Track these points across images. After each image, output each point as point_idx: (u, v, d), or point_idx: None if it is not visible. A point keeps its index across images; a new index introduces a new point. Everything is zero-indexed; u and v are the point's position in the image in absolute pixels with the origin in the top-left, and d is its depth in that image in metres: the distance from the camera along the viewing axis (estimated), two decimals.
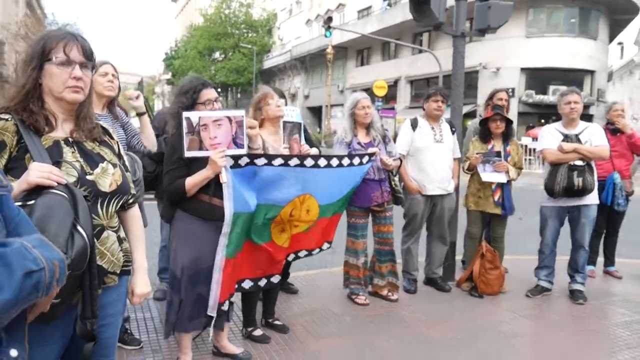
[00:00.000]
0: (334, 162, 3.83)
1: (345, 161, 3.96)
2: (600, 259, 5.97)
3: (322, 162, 3.73)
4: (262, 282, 3.72)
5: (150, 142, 3.82)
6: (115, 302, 1.96)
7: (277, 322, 4.12)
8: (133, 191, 2.02)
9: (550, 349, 3.86)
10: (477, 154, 5.11)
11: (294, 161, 3.52)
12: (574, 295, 4.93)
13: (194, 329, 3.33)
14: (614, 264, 5.90)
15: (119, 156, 2.01)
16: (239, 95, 54.79)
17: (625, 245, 6.39)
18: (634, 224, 7.07)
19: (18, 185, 1.57)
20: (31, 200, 1.49)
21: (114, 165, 1.91)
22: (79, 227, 1.48)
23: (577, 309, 4.75)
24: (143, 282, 2.08)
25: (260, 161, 3.34)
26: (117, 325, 2.05)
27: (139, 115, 3.78)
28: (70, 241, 1.43)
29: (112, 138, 2.03)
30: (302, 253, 4.07)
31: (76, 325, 1.65)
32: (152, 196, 4.34)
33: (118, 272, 1.92)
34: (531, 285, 5.17)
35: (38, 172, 1.57)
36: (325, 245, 4.26)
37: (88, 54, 1.85)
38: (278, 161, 3.43)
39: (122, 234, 1.96)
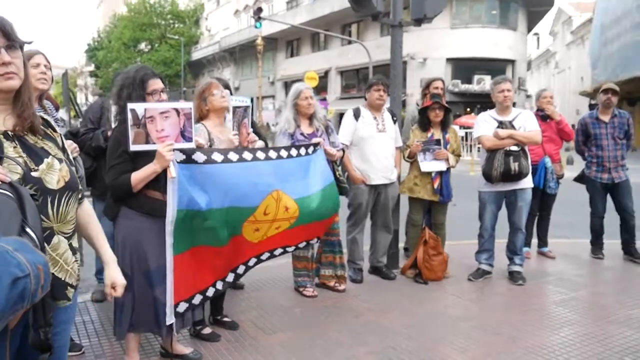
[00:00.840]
0: (283, 153, 3.73)
1: (293, 152, 3.87)
2: (534, 241, 6.22)
3: (272, 153, 3.63)
4: (230, 278, 3.57)
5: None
6: (68, 308, 1.82)
7: (225, 319, 4.03)
8: (81, 187, 1.88)
9: (498, 330, 3.97)
10: (417, 142, 5.18)
11: (248, 155, 3.40)
12: (514, 277, 5.11)
13: (149, 330, 3.20)
14: (547, 245, 6.17)
15: (63, 150, 1.86)
16: (167, 88, 53.29)
17: (556, 227, 6.70)
18: (564, 206, 7.42)
19: None
20: None
21: (60, 160, 1.75)
22: (27, 230, 1.33)
23: (517, 289, 4.93)
24: (119, 273, 2.02)
25: (218, 157, 3.19)
26: (68, 332, 1.92)
27: None
28: None
29: (54, 130, 1.87)
30: (278, 251, 3.89)
31: (28, 336, 1.50)
32: (89, 193, 4.12)
33: (74, 284, 1.80)
34: (472, 269, 5.32)
35: None
36: (314, 240, 4.19)
37: (9, 34, 1.63)
38: (233, 156, 3.28)
39: (74, 243, 1.83)
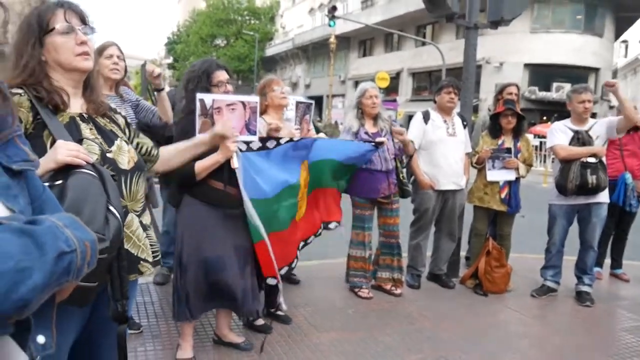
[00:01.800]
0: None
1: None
2: (607, 261, 5.87)
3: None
4: (284, 271, 3.58)
5: (167, 116, 3.84)
6: (132, 284, 1.90)
7: (279, 312, 4.04)
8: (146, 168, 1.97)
9: (558, 352, 3.78)
10: (486, 148, 5.01)
11: (303, 141, 3.52)
12: (581, 297, 4.85)
13: (199, 312, 3.26)
14: (621, 267, 5.81)
15: (129, 134, 1.94)
16: (239, 82, 54.58)
17: (634, 248, 6.30)
18: None
19: (44, 164, 1.46)
20: (58, 181, 1.40)
21: (127, 142, 1.84)
22: (111, 208, 1.39)
23: (583, 311, 4.67)
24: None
25: (271, 143, 3.30)
26: (130, 307, 2.03)
27: (157, 91, 3.78)
28: (106, 223, 1.35)
29: (117, 113, 1.95)
30: (310, 239, 3.93)
31: (109, 308, 1.57)
32: (157, 180, 4.25)
33: (150, 260, 1.88)
34: (537, 284, 5.09)
35: (66, 150, 1.48)
36: (333, 224, 4.11)
37: (84, 18, 1.76)
38: (285, 140, 3.39)
39: (145, 220, 1.90)
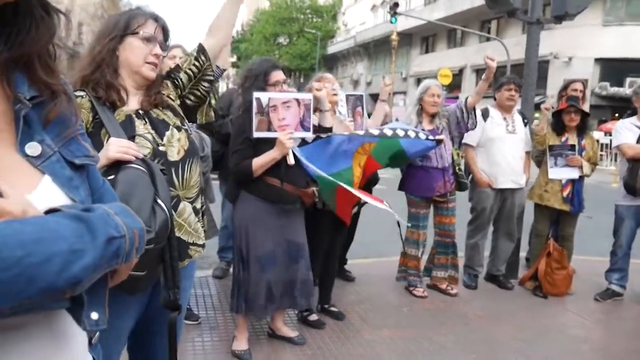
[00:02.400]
0: (400, 132, 3.86)
1: (412, 133, 3.94)
2: None
3: (388, 131, 3.79)
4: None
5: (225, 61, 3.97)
6: (186, 276, 2.00)
7: (333, 309, 4.10)
8: (207, 166, 2.08)
9: (622, 358, 3.64)
10: (549, 145, 4.86)
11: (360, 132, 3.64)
12: None
13: (254, 312, 3.34)
14: None
15: (182, 117, 2.02)
16: (301, 80, 55.07)
17: None
18: None
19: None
20: (111, 176, 1.50)
21: (178, 129, 1.92)
22: (159, 201, 1.48)
23: None
24: None
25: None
26: (186, 298, 2.13)
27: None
28: (152, 215, 1.44)
29: (173, 100, 2.05)
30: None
31: (156, 295, 1.69)
32: (216, 176, 4.39)
33: (200, 243, 1.97)
34: (600, 288, 4.90)
35: (117, 147, 1.59)
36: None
37: (166, 37, 1.94)
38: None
39: (198, 205, 1.98)
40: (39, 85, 0.86)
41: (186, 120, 2.04)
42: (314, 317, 3.91)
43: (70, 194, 0.85)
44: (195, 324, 3.78)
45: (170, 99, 2.03)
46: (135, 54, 1.85)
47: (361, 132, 3.79)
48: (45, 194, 0.80)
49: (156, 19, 1.91)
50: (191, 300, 4.10)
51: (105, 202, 0.99)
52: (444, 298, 4.63)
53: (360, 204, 4.12)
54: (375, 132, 3.75)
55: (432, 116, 4.56)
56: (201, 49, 2.11)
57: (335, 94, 3.89)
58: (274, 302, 3.26)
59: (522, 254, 5.55)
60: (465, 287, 4.91)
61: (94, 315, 0.83)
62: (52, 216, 0.71)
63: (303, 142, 3.27)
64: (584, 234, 7.07)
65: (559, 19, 5.38)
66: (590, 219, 7.48)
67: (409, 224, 4.49)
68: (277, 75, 3.23)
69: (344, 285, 4.80)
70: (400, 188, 4.67)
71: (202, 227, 2.00)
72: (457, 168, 4.62)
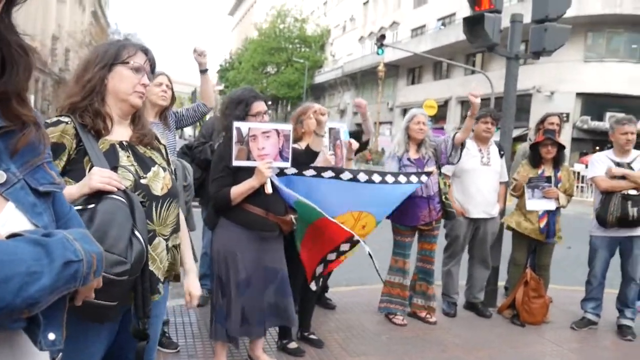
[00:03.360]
0: (389, 178, 3.89)
1: (402, 178, 3.99)
2: None
3: (377, 177, 3.83)
4: (332, 256, 3.59)
5: (209, 100, 4.04)
6: (159, 303, 2.01)
7: (312, 336, 4.11)
8: (190, 195, 2.12)
9: None
10: (524, 174, 4.98)
11: (347, 175, 3.60)
12: (622, 331, 4.71)
13: (234, 336, 3.35)
14: None
15: (167, 161, 2.07)
16: (289, 109, 55.46)
17: None
18: None
19: (79, 189, 1.64)
20: (91, 205, 1.55)
21: (164, 169, 1.97)
22: (136, 232, 1.53)
23: (625, 345, 4.54)
24: (197, 284, 2.18)
25: (309, 172, 3.43)
26: (159, 326, 2.12)
27: (202, 72, 3.97)
28: (129, 246, 1.49)
29: (160, 143, 2.10)
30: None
31: (126, 324, 1.71)
32: (197, 203, 4.43)
33: (162, 279, 1.98)
34: (576, 317, 4.98)
35: (99, 177, 1.64)
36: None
37: (153, 68, 2.00)
38: (328, 173, 3.49)
39: (172, 243, 2.00)
40: (10, 116, 0.90)
41: (172, 166, 2.11)
42: (293, 344, 3.91)
43: (33, 220, 0.90)
44: (174, 352, 3.77)
45: (159, 141, 2.09)
46: (124, 83, 1.90)
47: (349, 175, 3.67)
48: (8, 219, 0.84)
49: (146, 52, 1.97)
50: (170, 328, 4.10)
51: (71, 227, 1.04)
52: (423, 326, 4.67)
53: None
54: (363, 177, 3.73)
55: (419, 145, 4.66)
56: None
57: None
58: (250, 326, 3.28)
59: (501, 282, 5.63)
60: (444, 315, 4.96)
61: (51, 336, 0.86)
62: (13, 240, 0.76)
63: (281, 173, 3.33)
64: (563, 264, 7.19)
65: (536, 54, 5.56)
66: (569, 249, 7.61)
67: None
68: (259, 106, 3.31)
69: (325, 313, 4.82)
70: (388, 217, 4.74)
71: (171, 264, 2.02)
72: (443, 197, 4.71)
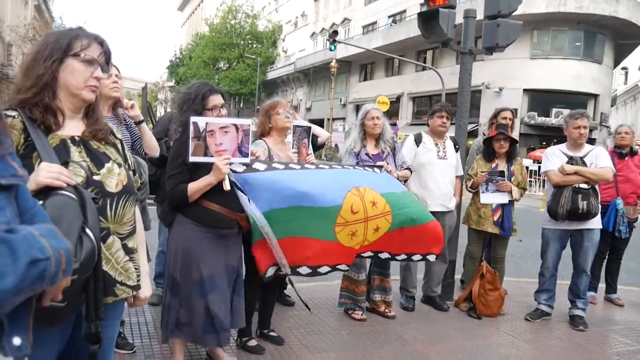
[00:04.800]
0: (348, 167, 3.91)
1: (359, 168, 4.01)
2: (602, 286, 5.89)
3: (337, 167, 3.83)
4: (324, 269, 3.53)
5: (151, 149, 3.70)
6: (117, 305, 1.92)
7: (272, 334, 4.06)
8: (145, 193, 2.01)
9: None
10: (481, 172, 5.06)
11: (310, 166, 3.59)
12: (574, 321, 4.85)
13: (189, 338, 3.26)
14: (615, 291, 5.80)
15: (124, 156, 1.98)
16: (241, 105, 54.99)
17: (628, 273, 6.31)
18: (637, 251, 6.99)
19: (27, 185, 1.52)
20: (39, 201, 1.43)
21: (119, 165, 1.88)
22: (87, 230, 1.44)
23: (577, 335, 4.67)
24: (147, 285, 2.05)
25: (279, 166, 3.35)
26: (116, 328, 2.03)
27: (137, 124, 3.64)
28: (79, 244, 1.39)
29: (116, 137, 2.00)
30: (384, 255, 3.83)
31: (81, 328, 1.62)
32: (152, 200, 4.29)
33: (132, 285, 1.88)
34: (530, 308, 5.10)
35: (47, 172, 1.53)
36: (431, 257, 4.01)
37: (108, 59, 1.88)
38: (295, 166, 3.48)
39: (130, 244, 1.90)
40: None
41: (129, 161, 2.00)
42: (253, 342, 3.85)
43: None
44: (130, 352, 3.65)
45: (115, 136, 1.98)
46: (75, 77, 1.78)
47: (312, 166, 3.65)
48: None
49: (101, 43, 1.85)
50: (126, 329, 3.97)
51: (36, 222, 0.97)
52: (382, 320, 4.68)
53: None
54: (325, 165, 3.72)
55: (377, 140, 4.65)
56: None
57: (288, 120, 3.89)
58: (216, 328, 3.15)
59: (457, 276, 5.71)
60: (402, 309, 4.99)
61: (16, 341, 0.80)
62: None
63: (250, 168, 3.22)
64: (515, 257, 7.37)
65: (489, 49, 5.65)
66: (520, 242, 7.80)
67: None
68: (215, 100, 3.21)
69: (284, 310, 4.77)
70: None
71: (135, 268, 1.92)
72: None
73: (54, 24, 46.03)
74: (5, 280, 0.68)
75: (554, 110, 25.95)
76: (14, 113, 1.70)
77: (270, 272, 3.37)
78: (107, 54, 1.87)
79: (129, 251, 1.89)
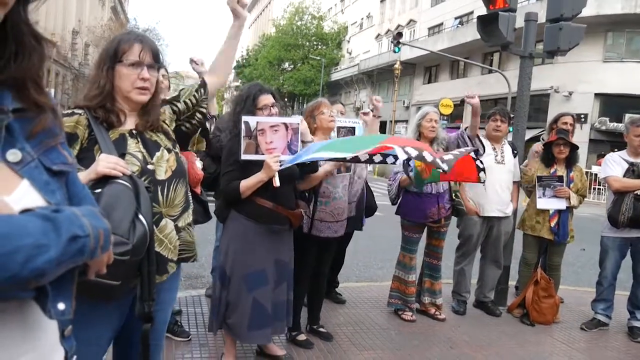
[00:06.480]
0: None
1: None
2: None
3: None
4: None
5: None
6: (169, 289, 2.08)
7: (321, 330, 4.16)
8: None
9: None
10: (538, 176, 4.98)
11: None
12: (633, 333, 4.70)
13: (255, 339, 3.39)
14: None
15: (173, 141, 2.12)
16: (304, 106, 55.43)
17: None
18: None
19: (87, 175, 1.71)
20: (98, 189, 1.62)
21: (169, 151, 2.03)
22: (140, 216, 1.60)
23: (635, 347, 4.52)
24: None
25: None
26: (168, 312, 2.17)
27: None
28: (132, 228, 1.54)
29: (167, 125, 2.16)
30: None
31: (135, 307, 1.77)
32: (212, 197, 4.49)
33: (175, 259, 2.03)
34: (587, 318, 4.98)
35: (105, 163, 1.71)
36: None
37: (155, 56, 1.99)
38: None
39: (180, 223, 2.05)
40: (27, 102, 0.95)
41: (177, 145, 2.14)
42: (302, 337, 3.97)
43: (46, 197, 0.94)
44: (185, 340, 3.85)
45: (165, 124, 2.13)
46: (124, 82, 1.93)
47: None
48: (22, 196, 0.89)
49: (141, 41, 1.96)
50: (183, 318, 4.18)
51: (83, 205, 1.08)
52: (432, 322, 4.70)
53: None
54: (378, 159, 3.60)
55: (430, 142, 4.68)
56: (203, 84, 2.31)
57: (332, 120, 3.99)
58: (261, 324, 3.27)
59: (512, 282, 5.63)
60: (453, 313, 4.99)
61: (61, 306, 0.90)
62: (24, 215, 0.81)
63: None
64: (576, 265, 7.17)
65: (551, 53, 5.54)
66: (583, 251, 7.58)
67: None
68: (266, 99, 3.33)
69: (334, 307, 4.87)
70: (397, 212, 4.77)
71: (186, 243, 2.07)
72: (453, 194, 4.72)
73: (128, 24, 48.04)
74: (49, 252, 0.78)
75: (627, 115, 24.69)
76: (80, 111, 1.90)
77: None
78: (153, 51, 1.97)
79: (179, 230, 2.04)
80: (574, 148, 5.06)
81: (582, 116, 23.81)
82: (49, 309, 0.87)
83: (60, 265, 0.82)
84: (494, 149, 4.98)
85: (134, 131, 1.98)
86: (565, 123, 5.39)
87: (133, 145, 1.93)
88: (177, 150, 2.11)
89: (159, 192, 1.94)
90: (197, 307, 4.59)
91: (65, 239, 0.81)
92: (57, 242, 0.80)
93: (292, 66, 51.17)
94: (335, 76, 49.70)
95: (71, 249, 0.83)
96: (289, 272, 3.45)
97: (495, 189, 4.91)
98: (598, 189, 19.45)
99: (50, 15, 31.69)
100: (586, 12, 5.45)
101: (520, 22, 5.29)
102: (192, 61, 3.81)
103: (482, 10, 5.72)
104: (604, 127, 25.20)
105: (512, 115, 5.42)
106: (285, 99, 45.11)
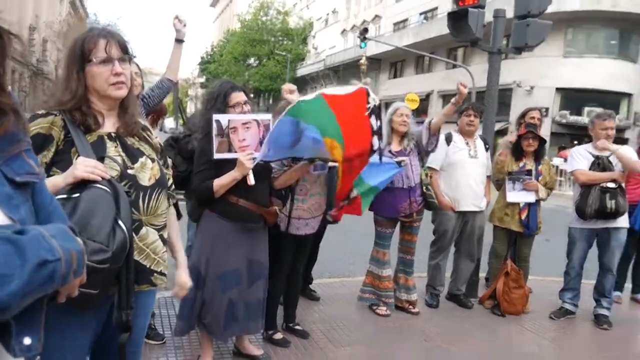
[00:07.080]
0: None
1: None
2: (628, 285, 5.85)
3: None
4: None
5: (174, 73, 3.85)
6: (149, 295, 2.02)
7: (297, 327, 4.15)
8: (171, 188, 2.09)
9: None
10: (507, 172, 5.07)
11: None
12: (599, 320, 4.85)
13: (231, 334, 3.39)
14: None
15: (160, 152, 2.06)
16: (270, 102, 55.22)
17: None
18: None
19: (64, 179, 1.63)
20: (76, 194, 1.55)
21: (152, 160, 1.96)
22: (119, 222, 1.53)
23: (601, 334, 4.67)
24: (187, 276, 2.19)
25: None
26: (147, 318, 2.12)
27: (177, 41, 3.77)
28: (112, 235, 1.48)
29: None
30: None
31: (112, 315, 1.70)
32: (182, 196, 4.42)
33: (165, 272, 1.98)
34: (555, 307, 5.10)
35: (83, 166, 1.63)
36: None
37: (124, 48, 1.88)
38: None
39: (166, 234, 2.00)
40: None
41: (164, 158, 2.09)
42: (278, 335, 3.95)
43: (9, 213, 0.83)
44: (160, 343, 3.78)
45: (151, 137, 2.05)
46: (97, 81, 1.83)
47: None
48: None
49: (105, 35, 1.85)
50: (156, 321, 4.10)
51: (53, 220, 0.97)
52: (407, 316, 4.74)
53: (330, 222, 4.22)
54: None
55: (402, 137, 4.70)
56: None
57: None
58: (236, 322, 3.27)
59: (482, 274, 5.73)
60: (427, 306, 5.04)
61: (27, 341, 0.80)
62: None
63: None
64: (541, 256, 7.31)
65: (518, 49, 5.64)
66: (548, 241, 7.75)
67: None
68: (237, 97, 3.27)
69: (309, 304, 4.86)
70: (370, 208, 4.78)
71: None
72: (424, 188, 4.74)
73: (88, 19, 46.86)
74: (11, 284, 0.67)
75: (587, 109, 25.39)
76: (55, 111, 1.80)
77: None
78: (120, 44, 1.86)
79: (165, 242, 1.99)
80: (542, 142, 5.16)
81: (544, 110, 24.32)
82: (13, 346, 0.76)
83: (26, 296, 0.71)
84: (467, 143, 5.04)
85: (112, 134, 1.90)
86: (533, 117, 5.51)
87: (112, 149, 1.85)
88: (162, 162, 2.05)
89: (140, 199, 1.87)
90: (171, 309, 4.50)
91: (32, 265, 0.70)
92: (22, 270, 0.69)
93: (257, 62, 50.81)
94: (301, 72, 49.57)
95: (39, 276, 0.72)
96: (263, 270, 3.42)
97: (470, 183, 4.97)
98: (560, 180, 19.92)
99: (5, 9, 30.64)
100: (547, 8, 5.56)
101: (488, 18, 5.38)
102: (175, 17, 3.72)
103: (446, 6, 5.80)
104: (564, 121, 25.86)
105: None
106: (252, 95, 44.76)
